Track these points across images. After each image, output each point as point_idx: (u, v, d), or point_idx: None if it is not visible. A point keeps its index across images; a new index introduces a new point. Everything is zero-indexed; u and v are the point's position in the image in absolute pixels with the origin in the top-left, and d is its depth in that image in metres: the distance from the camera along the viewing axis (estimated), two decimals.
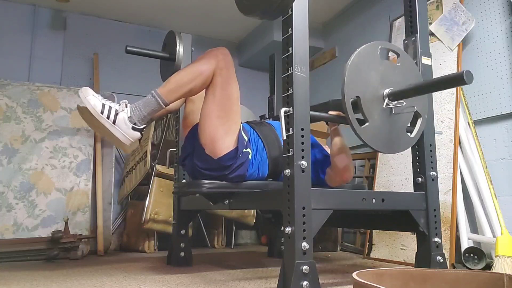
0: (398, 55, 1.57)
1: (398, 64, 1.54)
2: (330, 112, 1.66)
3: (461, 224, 2.12)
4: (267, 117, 2.48)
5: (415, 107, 1.52)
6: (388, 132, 1.48)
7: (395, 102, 1.44)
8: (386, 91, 1.45)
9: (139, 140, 1.57)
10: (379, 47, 1.48)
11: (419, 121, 1.58)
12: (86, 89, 1.48)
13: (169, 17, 3.57)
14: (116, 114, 1.47)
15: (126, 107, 1.49)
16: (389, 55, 2.47)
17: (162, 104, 1.52)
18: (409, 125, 1.58)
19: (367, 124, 1.41)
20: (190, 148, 1.72)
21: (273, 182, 1.74)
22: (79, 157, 2.88)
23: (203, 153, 1.59)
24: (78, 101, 2.98)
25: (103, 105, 1.46)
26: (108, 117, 1.46)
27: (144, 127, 1.54)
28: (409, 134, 1.56)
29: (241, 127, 1.65)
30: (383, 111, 1.45)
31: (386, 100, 1.44)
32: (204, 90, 1.61)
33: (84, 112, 1.50)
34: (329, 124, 1.84)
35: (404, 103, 1.45)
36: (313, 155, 1.74)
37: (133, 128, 1.49)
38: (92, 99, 1.46)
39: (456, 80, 1.28)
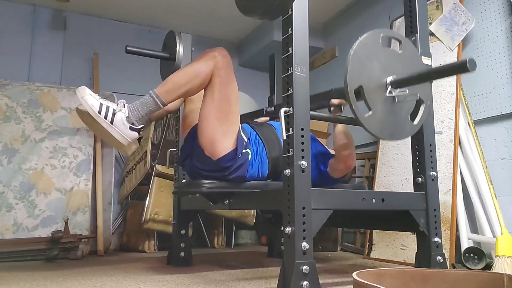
0: (400, 42, 1.54)
1: (400, 52, 1.52)
2: (333, 101, 1.71)
3: (461, 224, 2.12)
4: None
5: (418, 95, 1.50)
6: (391, 120, 1.46)
7: (398, 90, 1.43)
8: (389, 79, 1.43)
9: (139, 140, 1.55)
10: (381, 35, 1.46)
11: (422, 108, 1.55)
12: (84, 89, 1.47)
13: (169, 17, 3.57)
14: (114, 114, 1.44)
15: (124, 107, 1.47)
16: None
17: (160, 104, 1.50)
18: (411, 113, 1.56)
19: (370, 112, 1.40)
20: (189, 149, 1.71)
21: (272, 183, 1.74)
22: (79, 157, 2.88)
23: (202, 154, 1.58)
24: (78, 101, 2.97)
25: (101, 105, 1.44)
26: (105, 117, 1.44)
27: (142, 127, 1.52)
28: (412, 121, 1.54)
29: (240, 127, 1.64)
30: (386, 99, 1.44)
31: (389, 88, 1.43)
32: (203, 90, 1.60)
33: (83, 113, 1.49)
34: (333, 111, 1.85)
35: (407, 91, 1.44)
36: (313, 148, 1.75)
37: (131, 128, 1.47)
38: (90, 99, 1.44)
39: (459, 68, 1.27)
